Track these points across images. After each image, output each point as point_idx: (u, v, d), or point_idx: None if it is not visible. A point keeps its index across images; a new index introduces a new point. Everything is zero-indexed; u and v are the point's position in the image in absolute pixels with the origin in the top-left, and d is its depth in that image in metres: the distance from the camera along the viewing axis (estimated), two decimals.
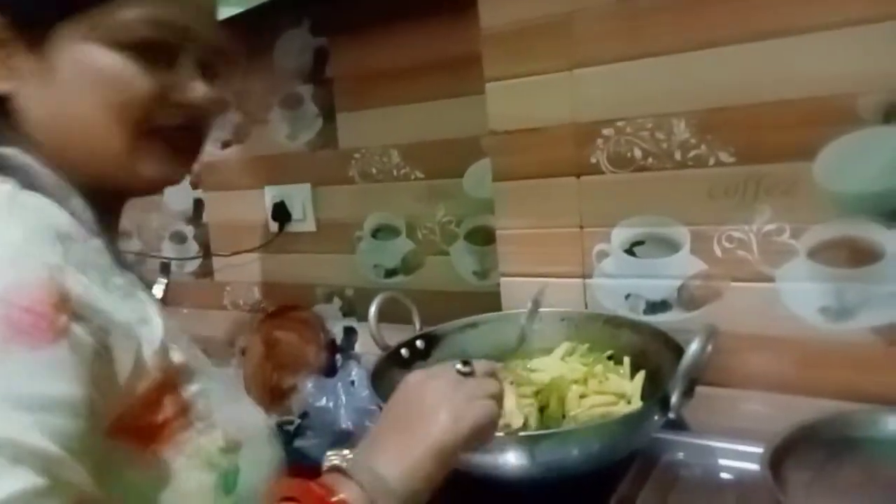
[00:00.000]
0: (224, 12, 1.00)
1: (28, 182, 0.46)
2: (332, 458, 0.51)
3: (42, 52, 0.48)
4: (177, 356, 0.47)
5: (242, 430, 0.51)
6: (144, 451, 0.44)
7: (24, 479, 0.33)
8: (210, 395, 0.49)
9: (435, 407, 0.49)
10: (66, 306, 0.39)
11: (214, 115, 0.55)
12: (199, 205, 1.39)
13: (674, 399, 0.58)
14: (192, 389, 0.48)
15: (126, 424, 0.43)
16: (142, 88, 0.49)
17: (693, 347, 0.57)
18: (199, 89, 0.52)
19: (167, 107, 0.51)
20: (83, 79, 0.48)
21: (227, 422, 0.49)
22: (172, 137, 0.53)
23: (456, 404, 0.49)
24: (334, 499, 0.44)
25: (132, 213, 1.47)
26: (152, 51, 0.49)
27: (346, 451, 0.51)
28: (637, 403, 0.70)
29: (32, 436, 0.35)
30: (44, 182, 0.48)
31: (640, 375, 0.73)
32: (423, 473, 0.47)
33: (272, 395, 1.24)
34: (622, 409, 0.69)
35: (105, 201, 0.53)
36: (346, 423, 1.02)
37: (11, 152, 0.48)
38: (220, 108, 0.55)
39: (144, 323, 0.45)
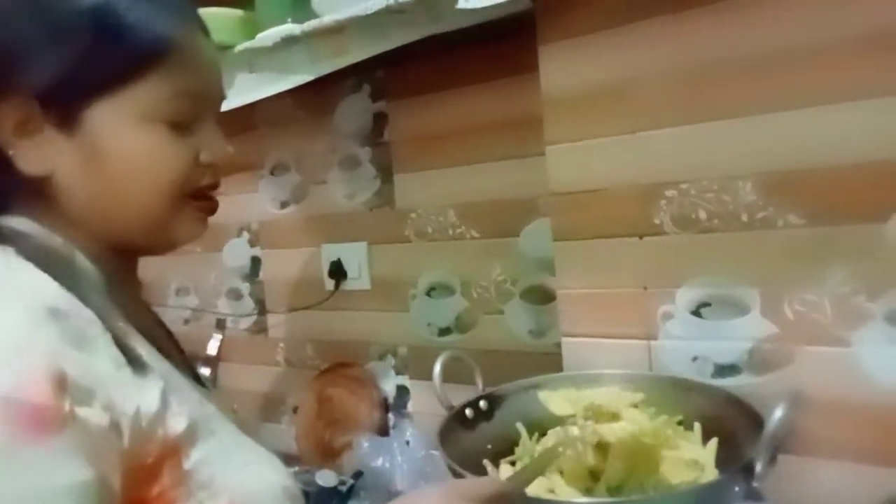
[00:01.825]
0: (294, 80, 1.06)
1: (26, 249, 0.47)
2: None
3: (76, 134, 0.49)
4: (178, 423, 0.47)
5: (251, 494, 0.50)
6: None
7: None
8: (215, 459, 0.48)
9: None
10: (68, 392, 0.40)
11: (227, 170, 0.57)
12: (255, 262, 1.43)
13: (759, 468, 0.56)
14: (195, 457, 0.47)
15: (124, 498, 0.43)
16: (178, 158, 0.52)
17: (779, 413, 0.55)
18: (222, 147, 0.55)
19: (198, 169, 0.54)
20: (125, 156, 0.50)
21: (233, 488, 0.48)
22: (204, 198, 0.55)
23: None
24: None
25: (190, 270, 1.52)
26: (181, 121, 0.52)
27: None
28: (711, 471, 0.68)
29: None
30: (46, 248, 0.48)
31: (713, 442, 0.71)
32: None
33: (324, 453, 1.23)
34: (696, 476, 0.67)
35: (121, 263, 0.54)
36: (401, 484, 1.01)
37: (15, 221, 0.49)
38: (231, 159, 0.57)
39: (139, 392, 0.45)
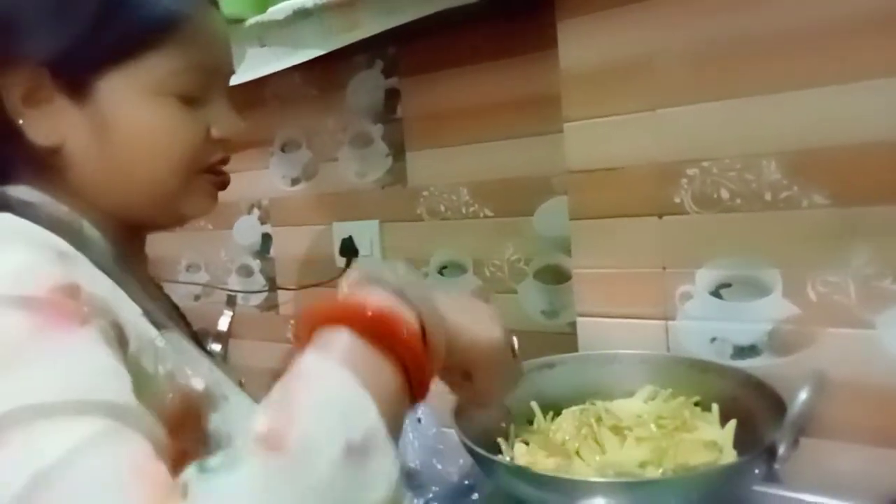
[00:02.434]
0: (305, 55, 1.04)
1: (32, 217, 0.46)
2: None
3: (87, 105, 0.48)
4: (197, 382, 0.47)
5: None
6: None
7: (91, 425, 0.32)
8: (231, 421, 0.48)
9: (495, 322, 0.50)
10: (83, 299, 0.39)
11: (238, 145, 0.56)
12: (266, 239, 1.42)
13: (782, 450, 0.55)
14: (215, 418, 0.47)
15: None
16: (188, 132, 0.51)
17: (803, 395, 0.55)
18: (234, 121, 0.54)
19: (210, 144, 0.53)
20: (133, 129, 0.49)
21: None
22: (215, 173, 0.55)
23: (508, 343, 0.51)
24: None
25: (201, 247, 1.51)
26: (191, 94, 0.51)
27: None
28: (729, 453, 0.67)
29: (94, 393, 0.34)
30: (52, 216, 0.48)
31: (732, 424, 0.70)
32: (472, 349, 0.47)
33: None
34: (715, 458, 0.66)
35: (129, 237, 0.54)
36: (413, 461, 1.01)
37: (19, 190, 0.49)
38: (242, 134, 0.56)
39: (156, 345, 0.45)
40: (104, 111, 0.48)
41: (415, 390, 0.39)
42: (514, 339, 0.52)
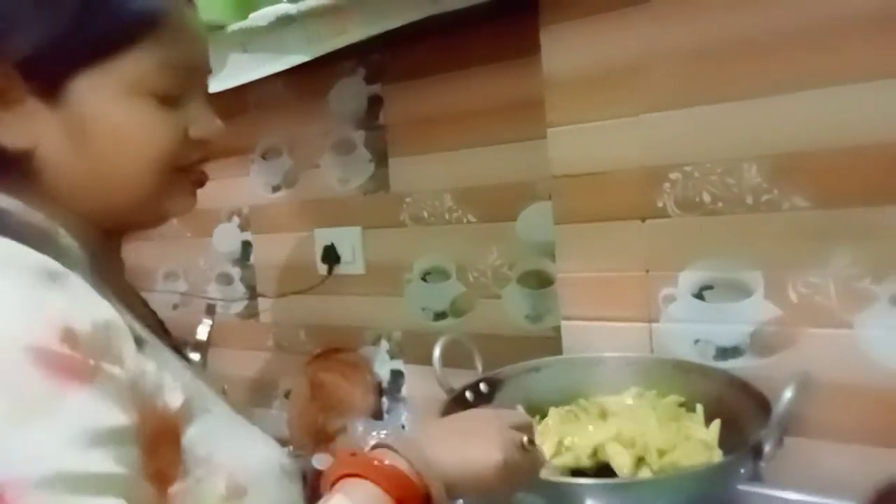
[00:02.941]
0: (288, 61, 1.04)
1: (5, 226, 0.45)
2: (378, 435, 0.51)
3: (60, 106, 0.47)
4: (173, 397, 0.46)
5: (249, 471, 0.49)
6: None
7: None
8: (212, 436, 0.48)
9: (493, 443, 0.50)
10: (84, 346, 0.40)
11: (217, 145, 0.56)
12: (246, 247, 1.41)
13: (767, 449, 0.56)
14: (191, 433, 0.46)
15: None
16: (165, 133, 0.50)
17: (788, 394, 0.55)
18: (212, 122, 0.54)
19: (188, 145, 0.52)
20: (109, 130, 0.48)
21: (231, 464, 0.48)
22: (193, 172, 0.54)
23: (510, 457, 0.50)
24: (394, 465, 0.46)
25: (179, 255, 1.49)
26: (170, 94, 0.50)
27: (385, 432, 0.51)
28: (715, 453, 0.68)
29: (107, 465, 0.37)
30: (27, 224, 0.47)
31: (716, 423, 0.71)
32: (462, 482, 0.49)
33: (317, 438, 1.23)
34: (708, 458, 0.67)
35: (105, 241, 0.53)
36: None
37: None
38: (222, 136, 0.56)
39: (140, 357, 0.45)
40: (78, 112, 0.47)
41: None
42: (527, 436, 0.53)
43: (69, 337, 0.39)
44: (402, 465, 0.46)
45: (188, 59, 0.52)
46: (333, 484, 0.46)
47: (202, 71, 0.55)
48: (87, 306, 0.42)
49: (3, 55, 0.45)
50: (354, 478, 0.46)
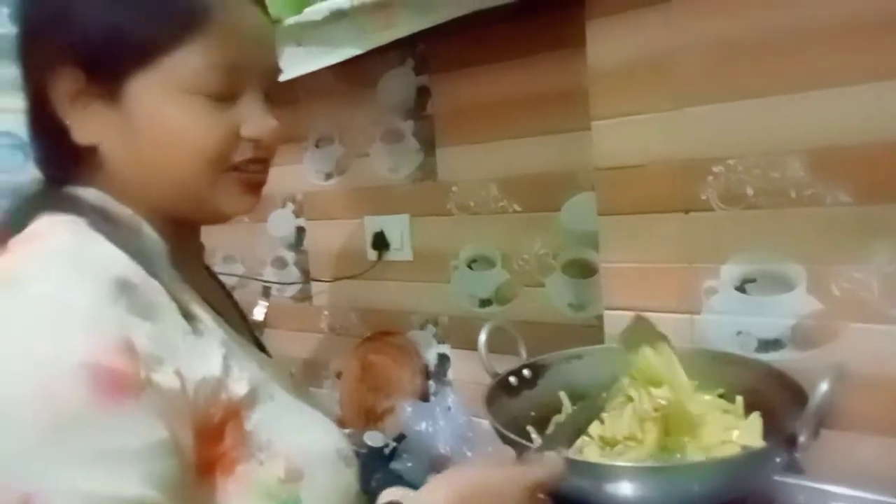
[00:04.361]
0: (340, 54, 1.08)
1: (100, 219, 0.49)
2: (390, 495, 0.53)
3: (119, 104, 0.50)
4: (239, 387, 0.49)
5: (307, 456, 0.51)
6: (204, 484, 0.46)
7: None
8: (273, 421, 0.50)
9: None
10: (140, 359, 0.42)
11: (277, 144, 0.56)
12: (300, 232, 1.46)
13: (802, 439, 0.57)
14: (254, 419, 0.49)
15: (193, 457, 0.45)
16: (215, 131, 0.51)
17: (824, 386, 0.56)
18: (265, 122, 0.54)
19: (240, 143, 0.53)
20: (163, 127, 0.50)
21: (290, 449, 0.50)
22: (246, 171, 0.55)
23: None
24: None
25: (237, 239, 1.56)
26: (221, 93, 0.51)
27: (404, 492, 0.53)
28: (758, 443, 0.69)
29: (132, 487, 0.39)
30: (116, 218, 0.50)
31: (756, 415, 0.72)
32: None
33: (367, 418, 1.28)
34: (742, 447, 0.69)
35: (182, 231, 0.56)
36: (444, 448, 1.04)
37: (87, 192, 0.51)
38: (279, 138, 0.56)
39: (203, 359, 0.47)
40: (134, 111, 0.50)
41: None
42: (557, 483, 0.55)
43: (126, 349, 0.42)
44: None
45: (240, 59, 0.52)
46: None
47: (259, 69, 0.54)
48: (150, 315, 0.45)
49: (70, 58, 0.49)
50: None
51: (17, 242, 0.47)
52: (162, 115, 0.50)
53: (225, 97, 0.52)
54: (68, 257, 0.45)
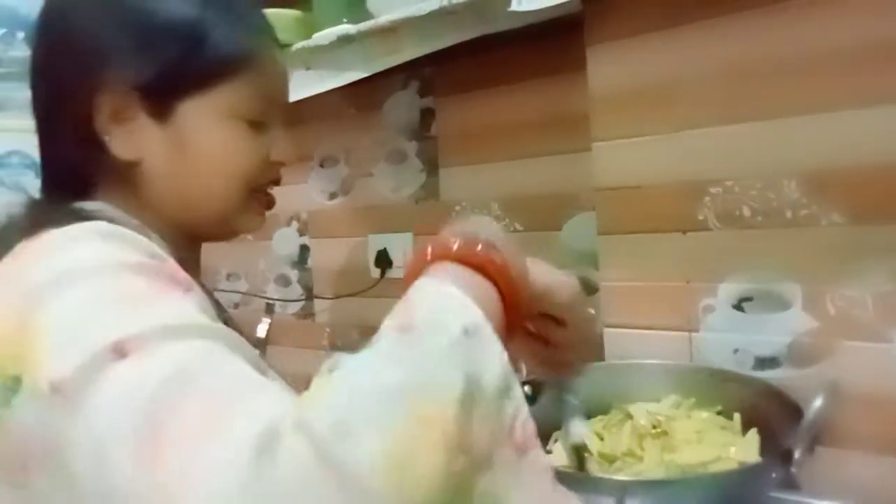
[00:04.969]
0: (347, 77, 1.11)
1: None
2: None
3: (167, 125, 0.54)
4: None
5: None
6: None
7: (214, 342, 0.39)
8: None
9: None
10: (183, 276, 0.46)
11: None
12: (304, 250, 1.48)
13: (797, 454, 0.59)
14: None
15: None
16: (253, 154, 0.58)
17: (818, 402, 0.58)
18: (285, 147, 0.61)
19: (268, 166, 0.60)
20: (206, 148, 0.55)
21: None
22: (265, 194, 0.62)
23: None
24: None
25: (241, 256, 1.58)
26: (259, 120, 0.58)
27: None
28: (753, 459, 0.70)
29: (211, 322, 0.42)
30: (127, 227, 0.52)
31: (754, 432, 0.73)
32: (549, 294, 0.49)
33: None
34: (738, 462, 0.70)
35: (188, 246, 0.60)
36: None
37: (97, 206, 0.54)
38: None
39: None
40: (182, 130, 0.55)
41: (509, 315, 0.43)
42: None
43: (170, 266, 0.46)
44: (500, 258, 0.42)
45: (276, 90, 0.60)
46: (423, 268, 0.43)
47: (282, 100, 0.63)
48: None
49: (126, 80, 0.53)
50: (454, 263, 0.42)
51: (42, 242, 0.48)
52: (210, 136, 0.55)
53: (259, 125, 0.58)
54: (101, 234, 0.47)
